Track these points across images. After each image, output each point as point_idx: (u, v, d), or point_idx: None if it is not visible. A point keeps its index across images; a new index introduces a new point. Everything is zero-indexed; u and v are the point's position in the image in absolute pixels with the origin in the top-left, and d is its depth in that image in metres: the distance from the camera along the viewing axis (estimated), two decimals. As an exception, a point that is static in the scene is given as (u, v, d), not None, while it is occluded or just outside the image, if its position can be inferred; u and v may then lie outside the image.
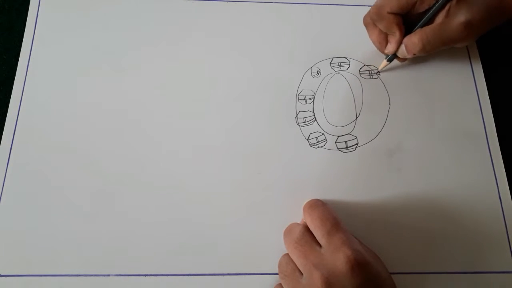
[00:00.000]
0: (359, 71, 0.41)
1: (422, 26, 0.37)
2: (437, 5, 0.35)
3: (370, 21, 0.38)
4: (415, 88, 0.40)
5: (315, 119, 0.39)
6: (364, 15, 0.39)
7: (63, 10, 0.41)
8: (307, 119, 0.39)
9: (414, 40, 0.36)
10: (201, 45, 0.41)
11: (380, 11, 0.36)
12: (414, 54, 0.37)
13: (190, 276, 0.34)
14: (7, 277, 0.33)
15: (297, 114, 0.39)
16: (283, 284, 0.31)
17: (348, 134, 0.38)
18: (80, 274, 0.33)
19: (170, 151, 0.37)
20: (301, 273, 0.30)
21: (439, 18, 0.36)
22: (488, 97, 0.40)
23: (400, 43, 0.37)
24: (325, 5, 0.43)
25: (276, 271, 0.33)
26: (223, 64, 0.40)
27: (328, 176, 0.37)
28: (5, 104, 0.38)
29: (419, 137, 0.38)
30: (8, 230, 0.34)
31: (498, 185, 0.37)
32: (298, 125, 0.39)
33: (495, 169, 0.38)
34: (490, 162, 0.38)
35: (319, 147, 0.38)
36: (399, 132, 0.39)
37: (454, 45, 0.37)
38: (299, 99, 0.39)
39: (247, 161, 0.37)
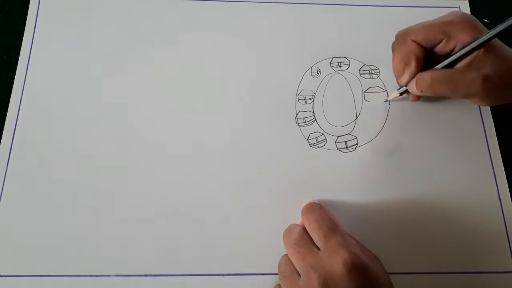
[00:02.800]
0: (359, 70, 0.41)
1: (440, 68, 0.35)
2: (462, 50, 0.34)
3: (396, 46, 0.37)
4: (415, 88, 0.40)
5: (315, 119, 0.39)
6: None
7: (63, 11, 0.41)
8: (307, 119, 0.39)
9: (426, 76, 0.34)
10: (201, 45, 0.41)
11: (405, 36, 0.36)
12: (422, 92, 0.35)
13: (190, 276, 0.34)
14: (7, 278, 0.33)
15: (297, 114, 0.39)
16: (281, 285, 0.31)
17: (348, 134, 0.38)
18: (80, 274, 0.33)
19: (170, 151, 0.37)
20: (300, 275, 0.30)
21: (460, 65, 0.34)
22: (488, 97, 0.40)
23: (413, 76, 0.35)
24: (325, 5, 0.43)
25: (276, 271, 0.33)
26: (222, 64, 0.40)
27: (328, 176, 0.37)
28: (5, 104, 0.38)
29: (419, 137, 0.38)
30: (8, 230, 0.34)
31: (498, 185, 0.37)
32: (298, 125, 0.39)
33: (494, 169, 0.38)
34: (490, 162, 0.38)
35: (319, 147, 0.38)
36: (399, 132, 0.39)
37: (466, 99, 0.36)
38: (299, 99, 0.39)
39: (247, 161, 0.37)
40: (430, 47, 0.35)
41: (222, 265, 0.34)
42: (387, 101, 0.39)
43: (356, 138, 0.38)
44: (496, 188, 0.37)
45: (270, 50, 0.41)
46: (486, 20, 0.43)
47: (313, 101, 0.39)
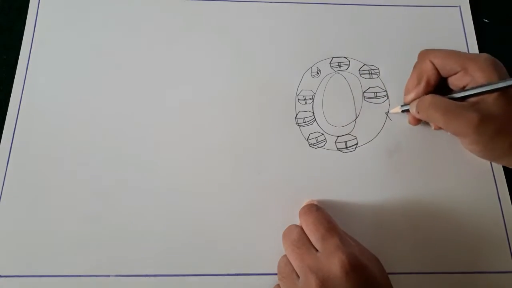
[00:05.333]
0: (359, 70, 0.41)
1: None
2: (472, 90, 0.33)
3: (416, 64, 0.37)
4: (415, 88, 0.40)
5: (315, 119, 0.39)
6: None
7: (62, 10, 0.41)
8: (306, 119, 0.39)
9: (427, 98, 0.34)
10: (201, 45, 0.41)
11: (426, 55, 0.35)
12: (418, 113, 0.35)
13: (190, 277, 0.34)
14: (7, 278, 0.33)
15: (296, 114, 0.39)
16: (281, 285, 0.31)
17: (348, 134, 0.38)
18: (79, 274, 0.33)
19: (169, 151, 0.37)
20: (298, 276, 0.30)
21: (465, 102, 0.33)
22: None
23: (418, 96, 0.35)
24: (324, 5, 0.43)
25: (276, 271, 0.33)
26: (222, 64, 0.40)
27: (328, 176, 0.37)
28: (5, 104, 0.38)
29: (419, 137, 0.38)
30: (8, 230, 0.34)
31: (497, 185, 0.37)
32: (298, 125, 0.39)
33: (494, 169, 0.37)
34: (489, 162, 0.38)
35: (318, 147, 0.38)
36: (399, 132, 0.39)
37: (458, 137, 0.35)
38: (298, 99, 0.39)
39: (247, 161, 0.37)
40: (446, 75, 0.35)
41: (222, 265, 0.34)
42: (387, 113, 0.39)
43: (356, 138, 0.38)
44: (495, 188, 0.37)
45: (270, 50, 0.41)
46: (486, 20, 0.43)
47: (312, 101, 0.39)
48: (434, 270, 0.35)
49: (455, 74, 0.34)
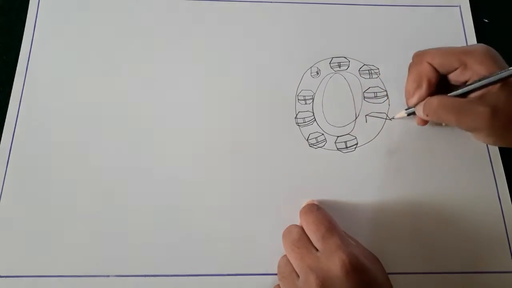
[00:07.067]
0: (359, 70, 0.41)
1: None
2: (476, 83, 0.32)
3: (412, 65, 0.36)
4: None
5: (315, 119, 0.39)
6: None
7: (62, 11, 0.41)
8: (306, 119, 0.39)
9: (433, 100, 0.34)
10: (201, 45, 0.41)
11: (422, 57, 0.35)
12: (427, 116, 0.34)
13: (189, 277, 0.34)
14: (7, 278, 0.33)
15: (296, 115, 0.39)
16: (281, 285, 0.31)
17: (348, 134, 0.38)
18: (79, 275, 0.33)
19: (169, 151, 0.37)
20: (298, 275, 0.30)
21: (471, 97, 0.33)
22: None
23: (422, 99, 0.35)
24: (324, 5, 0.43)
25: (276, 271, 0.33)
26: (222, 64, 0.40)
27: (328, 176, 0.37)
28: (5, 104, 0.38)
29: (419, 137, 0.38)
30: (8, 230, 0.34)
31: (498, 185, 0.37)
32: (298, 125, 0.39)
33: (494, 169, 0.37)
34: (489, 162, 0.38)
35: (318, 147, 0.38)
36: (399, 132, 0.39)
37: (471, 133, 0.34)
38: (298, 100, 0.39)
39: (246, 161, 0.37)
40: (445, 73, 0.35)
41: (222, 265, 0.34)
42: (392, 118, 0.39)
43: (355, 138, 0.38)
44: (495, 188, 0.37)
45: (270, 50, 0.41)
46: (486, 20, 0.43)
47: (312, 101, 0.39)
48: (434, 270, 0.35)
49: (454, 70, 0.34)
